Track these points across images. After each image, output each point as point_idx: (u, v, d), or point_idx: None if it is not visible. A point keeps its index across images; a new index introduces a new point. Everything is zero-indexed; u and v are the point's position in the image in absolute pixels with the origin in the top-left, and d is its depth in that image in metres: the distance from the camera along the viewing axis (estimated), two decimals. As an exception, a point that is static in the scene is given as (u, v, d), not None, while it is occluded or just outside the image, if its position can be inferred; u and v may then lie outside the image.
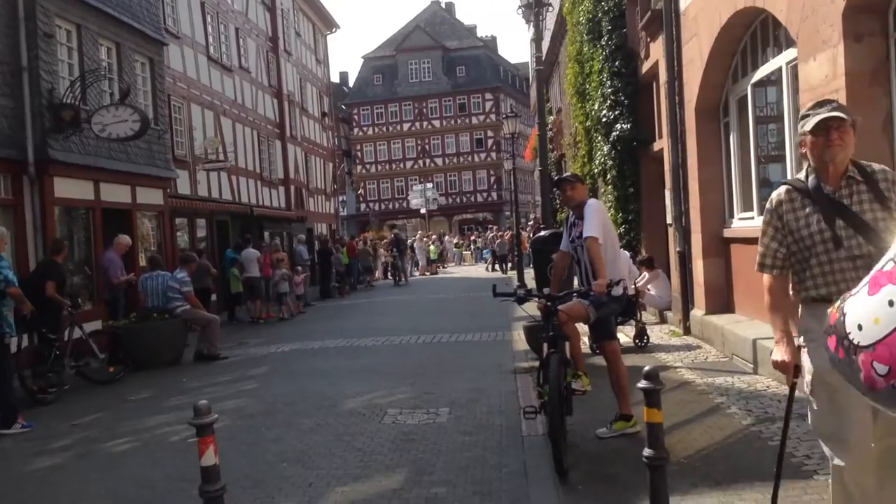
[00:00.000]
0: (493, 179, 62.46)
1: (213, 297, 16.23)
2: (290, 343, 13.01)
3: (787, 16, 6.77)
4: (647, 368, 3.58)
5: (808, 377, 3.14)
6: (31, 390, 9.18)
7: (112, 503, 5.19)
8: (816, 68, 6.17)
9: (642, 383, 3.52)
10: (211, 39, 21.73)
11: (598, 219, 5.81)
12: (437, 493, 4.91)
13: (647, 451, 3.54)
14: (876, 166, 3.19)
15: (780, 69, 7.72)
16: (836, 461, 3.05)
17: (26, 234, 12.43)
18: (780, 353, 3.22)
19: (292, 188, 28.32)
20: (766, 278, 3.35)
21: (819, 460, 4.69)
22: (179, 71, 19.35)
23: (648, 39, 11.87)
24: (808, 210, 3.17)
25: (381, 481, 5.25)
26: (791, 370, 3.18)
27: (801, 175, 3.25)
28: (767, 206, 3.33)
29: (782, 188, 3.29)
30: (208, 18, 21.63)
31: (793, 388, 3.27)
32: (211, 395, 8.46)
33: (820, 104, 3.17)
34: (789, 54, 7.37)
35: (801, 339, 3.18)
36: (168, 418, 7.78)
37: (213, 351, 11.68)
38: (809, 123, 3.13)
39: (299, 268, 20.26)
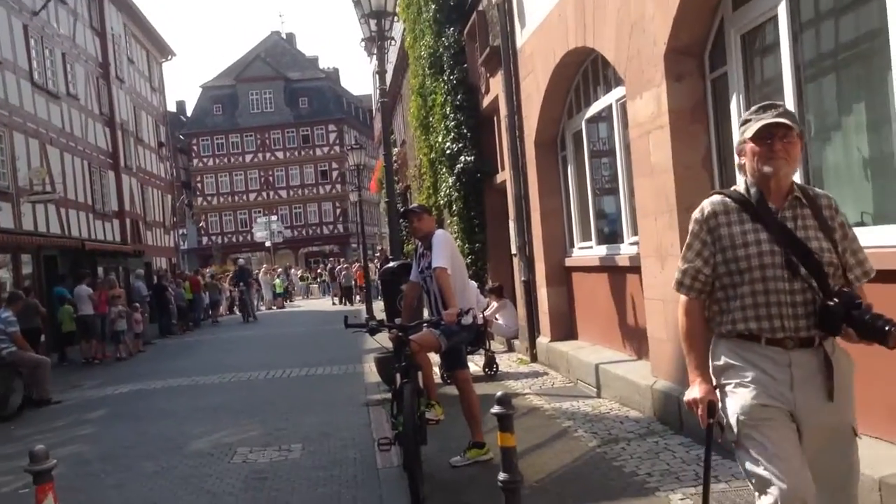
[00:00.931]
0: (338, 211, 62.18)
1: (42, 337, 15.15)
2: (130, 384, 12.36)
3: (615, 56, 7.22)
4: (499, 394, 3.69)
5: (733, 421, 2.68)
6: None
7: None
8: (643, 106, 6.61)
9: (495, 408, 3.63)
10: (35, 64, 20.49)
11: (446, 249, 5.92)
12: (292, 532, 4.81)
13: (501, 476, 3.64)
14: (819, 191, 2.84)
15: (610, 106, 8.20)
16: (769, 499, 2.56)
17: None
18: (694, 391, 2.77)
19: (128, 221, 27.01)
20: (682, 300, 2.86)
21: (660, 477, 4.98)
22: (1, 97, 18.12)
23: (488, 75, 12.29)
24: (748, 227, 2.71)
25: (233, 524, 5.09)
26: (706, 408, 2.74)
27: (739, 188, 2.81)
28: (696, 215, 2.83)
29: (716, 197, 2.82)
30: (32, 42, 20.40)
31: (710, 428, 2.78)
32: (44, 442, 7.80)
33: (764, 108, 2.73)
34: (618, 92, 7.84)
35: (722, 379, 2.76)
36: (-5, 470, 7.20)
37: (43, 395, 10.93)
38: (751, 129, 2.68)
39: (137, 304, 19.32)
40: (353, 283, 32.51)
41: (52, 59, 21.76)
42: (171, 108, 51.74)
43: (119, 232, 26.18)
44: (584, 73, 9.06)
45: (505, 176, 11.83)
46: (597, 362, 7.91)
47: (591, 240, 9.13)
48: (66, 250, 20.74)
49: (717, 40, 5.94)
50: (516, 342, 11.48)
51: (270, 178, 61.94)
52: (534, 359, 10.37)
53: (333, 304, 33.03)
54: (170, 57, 35.75)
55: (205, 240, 59.53)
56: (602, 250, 8.63)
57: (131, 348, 17.32)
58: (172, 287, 23.20)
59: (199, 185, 61.64)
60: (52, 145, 20.94)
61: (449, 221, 14.89)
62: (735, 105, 5.65)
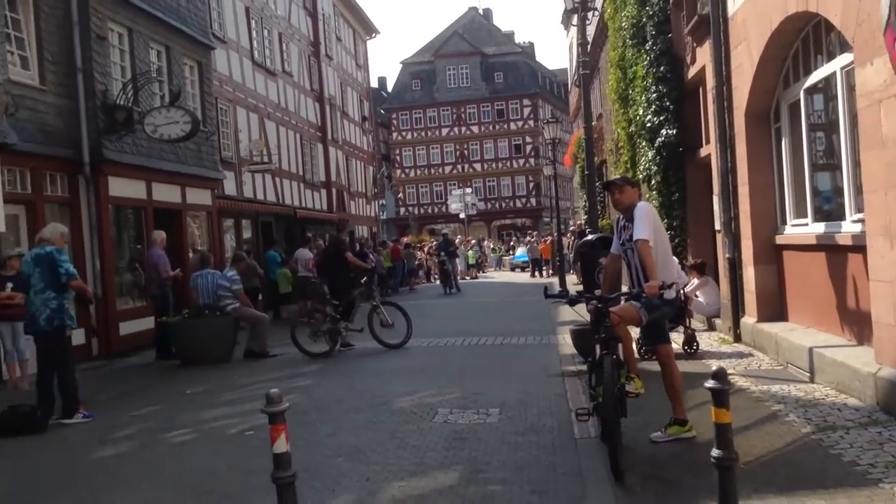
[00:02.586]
0: (531, 185, 62.40)
1: (260, 296, 16.48)
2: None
3: (841, 20, 6.72)
4: (714, 368, 3.60)
5: None
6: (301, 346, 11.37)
7: (178, 490, 5.32)
8: (873, 73, 6.13)
9: (710, 383, 3.55)
10: (255, 44, 22.08)
11: (649, 221, 5.79)
12: (493, 491, 4.96)
13: (715, 452, 3.56)
14: None
15: (833, 74, 7.66)
16: None
17: (83, 233, 12.76)
18: None
19: (334, 191, 28.60)
20: None
21: (884, 468, 4.68)
22: (226, 74, 19.68)
23: (695, 44, 11.83)
24: None
25: (436, 478, 5.32)
26: None
27: None
28: None
29: None
30: (253, 24, 21.97)
31: None
32: (263, 391, 8.57)
33: None
34: (844, 59, 7.31)
35: None
36: (223, 412, 7.95)
37: (262, 349, 11.86)
38: None
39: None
40: (539, 256, 32.66)
41: (269, 39, 23.33)
42: (374, 83, 53.85)
43: (326, 201, 27.77)
44: (803, 39, 8.51)
45: (710, 149, 11.38)
46: (811, 346, 7.49)
47: (806, 217, 8.61)
48: (279, 217, 22.32)
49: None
50: (717, 321, 11.09)
51: (465, 152, 63.14)
52: (737, 339, 9.98)
53: (533, 276, 33.22)
54: (373, 35, 37.22)
55: (402, 210, 61.78)
56: (819, 228, 8.12)
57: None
58: (373, 255, 24.32)
59: (397, 157, 63.97)
60: (269, 119, 22.53)
61: (648, 196, 14.53)
62: None
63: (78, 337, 9.31)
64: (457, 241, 38.89)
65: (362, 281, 12.46)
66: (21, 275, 8.28)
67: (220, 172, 17.88)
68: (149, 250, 13.07)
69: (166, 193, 15.33)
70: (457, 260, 27.46)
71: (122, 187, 13.79)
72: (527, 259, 36.99)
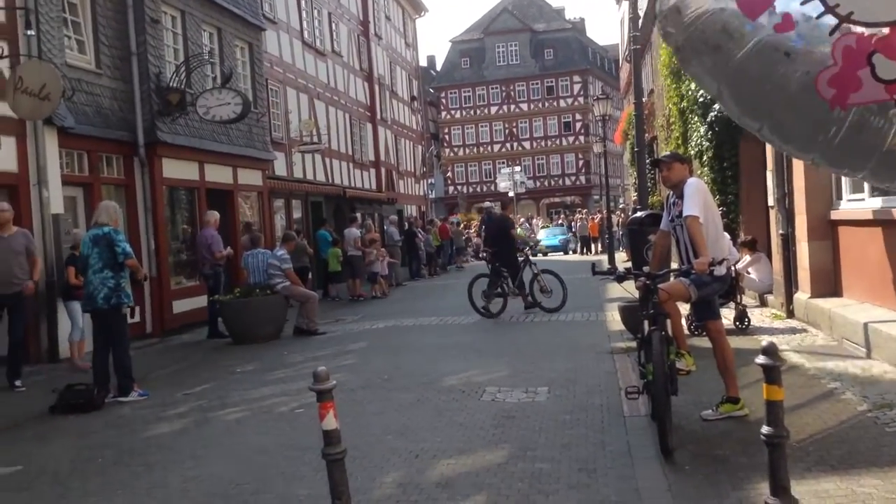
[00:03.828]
0: (581, 163, 61.82)
1: (310, 275, 16.68)
2: (385, 320, 13.27)
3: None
4: (765, 344, 3.53)
5: None
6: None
7: (232, 467, 5.43)
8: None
9: (760, 359, 3.48)
10: (305, 24, 22.18)
11: (699, 197, 5.70)
12: (541, 469, 4.96)
13: (765, 429, 3.51)
14: None
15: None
16: None
17: (137, 213, 13.04)
18: None
19: (383, 170, 28.71)
20: None
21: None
22: (276, 56, 19.83)
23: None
24: None
25: (485, 455, 5.34)
26: None
27: None
28: None
29: None
30: (302, 4, 22.07)
31: None
32: (312, 368, 8.67)
33: None
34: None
35: None
36: (274, 390, 8.08)
37: (311, 326, 12.01)
38: None
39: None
40: (588, 234, 32.44)
41: (319, 20, 23.43)
42: (423, 62, 53.73)
43: (375, 180, 27.91)
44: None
45: (765, 123, 11.11)
46: (866, 321, 7.30)
47: (862, 192, 8.37)
48: (329, 197, 22.51)
49: None
50: (769, 297, 10.88)
51: (514, 130, 62.78)
52: (790, 315, 9.79)
53: (582, 253, 33.02)
54: (423, 13, 37.12)
55: (451, 189, 61.76)
56: (877, 202, 7.88)
57: (385, 288, 18.53)
58: (422, 233, 24.41)
59: (446, 136, 63.89)
60: (318, 99, 22.67)
61: (700, 173, 14.29)
62: None
63: (135, 315, 9.52)
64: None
65: (526, 250, 14.08)
66: (80, 255, 8.49)
67: (271, 153, 18.08)
68: (201, 230, 13.29)
69: (218, 174, 15.56)
70: None
71: (175, 168, 14.03)
72: (557, 244, 35.60)
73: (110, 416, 7.42)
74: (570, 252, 34.62)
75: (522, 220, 39.81)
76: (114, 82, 12.79)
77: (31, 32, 10.22)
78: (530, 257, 13.76)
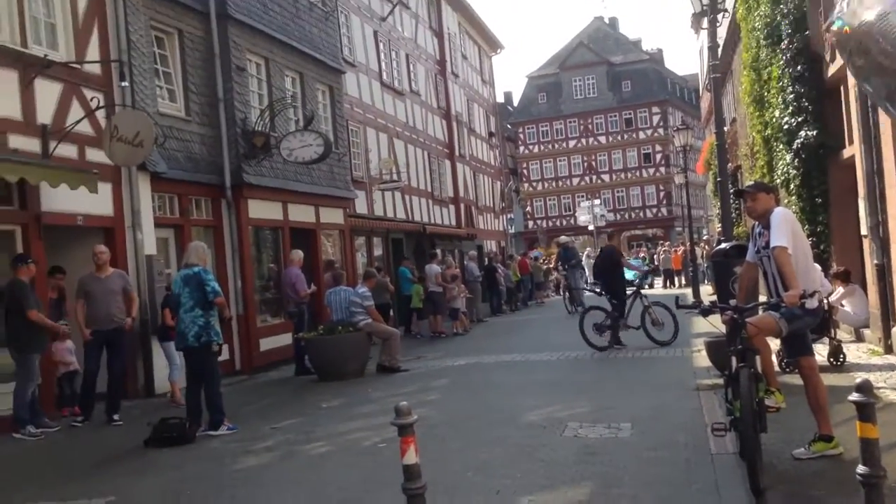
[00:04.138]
0: (661, 194, 60.94)
1: (391, 311, 16.85)
2: (467, 357, 13.27)
3: None
4: (858, 381, 3.42)
5: None
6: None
7: (315, 500, 5.52)
8: None
9: (854, 396, 3.37)
10: (384, 66, 22.68)
11: (786, 227, 5.53)
12: (625, 507, 4.87)
13: (861, 469, 3.38)
14: None
15: None
16: None
17: (225, 253, 13.48)
18: None
19: (462, 206, 28.91)
20: None
21: None
22: (356, 97, 20.31)
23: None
24: None
25: (566, 492, 5.27)
26: None
27: None
28: None
29: None
30: (381, 46, 22.58)
31: None
32: (394, 404, 8.75)
33: None
34: None
35: None
36: (359, 425, 8.17)
37: (393, 363, 12.11)
38: None
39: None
40: (671, 266, 31.78)
41: (397, 61, 23.92)
42: (500, 98, 54.15)
43: (454, 216, 28.11)
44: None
45: (853, 150, 10.78)
46: (971, 357, 6.95)
47: (963, 219, 8.02)
48: (409, 233, 22.78)
49: None
50: (866, 332, 10.45)
51: (593, 163, 62.46)
52: (888, 350, 9.37)
53: (665, 287, 32.38)
54: (499, 50, 37.46)
55: (530, 224, 61.65)
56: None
57: (466, 325, 18.56)
58: (502, 269, 24.39)
59: (524, 171, 63.98)
60: (398, 138, 23.08)
61: (787, 202, 13.93)
62: None
63: (223, 352, 9.79)
64: (585, 252, 37.87)
65: (634, 283, 14.10)
66: (171, 294, 8.81)
67: (352, 192, 18.45)
68: (286, 269, 13.63)
69: (301, 213, 15.96)
70: (578, 272, 23.03)
71: (260, 209, 14.47)
72: (632, 277, 34.32)
73: (201, 449, 7.63)
74: (648, 286, 33.63)
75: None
76: (202, 128, 13.33)
77: (125, 83, 10.76)
78: (641, 290, 13.54)
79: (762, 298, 5.95)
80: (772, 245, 5.50)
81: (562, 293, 23.83)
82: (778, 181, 14.12)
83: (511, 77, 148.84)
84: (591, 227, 43.71)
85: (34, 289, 8.92)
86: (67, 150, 10.09)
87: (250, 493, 5.89)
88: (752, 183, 6.64)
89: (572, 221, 56.61)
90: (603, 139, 62.26)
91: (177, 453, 7.47)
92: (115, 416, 9.25)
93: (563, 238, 24.93)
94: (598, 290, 13.76)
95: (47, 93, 9.98)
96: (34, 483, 6.71)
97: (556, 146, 63.23)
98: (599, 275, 14.12)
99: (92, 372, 9.35)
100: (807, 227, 12.70)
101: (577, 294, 21.30)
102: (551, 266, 30.04)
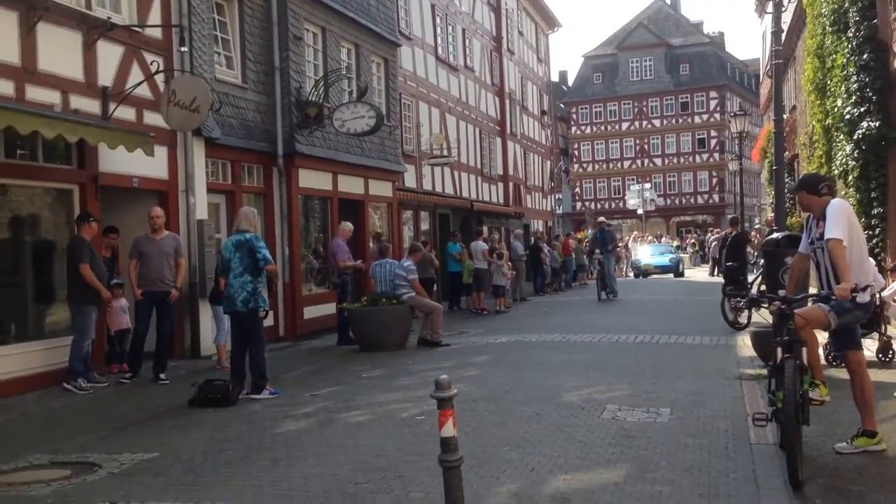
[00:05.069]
0: (714, 181, 59.94)
1: (435, 286, 16.93)
2: (508, 335, 13.30)
3: None
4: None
5: None
6: None
7: (351, 466, 5.60)
8: None
9: (900, 392, 3.31)
10: (439, 40, 22.60)
11: (843, 219, 5.42)
12: (661, 491, 4.86)
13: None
14: None
15: None
16: None
17: (274, 221, 13.65)
18: None
19: (511, 184, 28.80)
20: None
21: None
22: (410, 70, 20.30)
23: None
24: None
25: (602, 473, 5.28)
26: None
27: None
28: None
29: None
30: (437, 20, 22.50)
31: None
32: (434, 378, 8.78)
33: None
34: None
35: None
36: (397, 396, 8.27)
37: (435, 337, 12.18)
38: None
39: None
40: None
41: (453, 35, 23.83)
42: (555, 77, 53.64)
43: (502, 194, 28.03)
44: None
45: (917, 143, 10.47)
46: None
47: None
48: (456, 209, 22.79)
49: None
50: (919, 330, 10.20)
51: (645, 146, 61.62)
52: (941, 349, 9.14)
53: (712, 274, 31.97)
54: (555, 28, 37.06)
55: (578, 205, 61.20)
56: None
57: (508, 303, 18.57)
58: (547, 249, 24.29)
59: (575, 151, 63.42)
60: (449, 114, 23.04)
61: (844, 193, 13.63)
62: None
63: (268, 318, 9.96)
64: (632, 235, 37.31)
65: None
66: (222, 259, 8.97)
67: (402, 165, 18.50)
68: (332, 240, 13.77)
69: (350, 185, 16.07)
70: (613, 259, 22.01)
71: (310, 179, 14.60)
72: (668, 263, 31.86)
73: (243, 411, 7.79)
74: (680, 274, 32.08)
75: (651, 237, 38.82)
76: (257, 96, 13.46)
77: (185, 49, 10.90)
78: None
79: (811, 290, 5.85)
80: (826, 237, 5.41)
81: (595, 279, 21.93)
82: (836, 172, 13.82)
83: (567, 56, 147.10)
84: (639, 211, 43.37)
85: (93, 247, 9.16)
86: (126, 113, 10.29)
87: (290, 455, 6.00)
88: (807, 175, 6.48)
89: (621, 204, 56.16)
90: (657, 122, 61.33)
91: (219, 414, 7.64)
92: (162, 376, 9.49)
93: (601, 219, 23.24)
94: (728, 272, 14.06)
95: (109, 55, 10.17)
96: (83, 434, 6.94)
97: (609, 128, 62.49)
98: (733, 258, 14.30)
99: (141, 331, 9.61)
100: (862, 219, 12.41)
101: (610, 281, 20.33)
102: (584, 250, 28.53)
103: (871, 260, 7.61)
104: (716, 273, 31.67)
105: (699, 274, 33.25)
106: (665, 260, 32.18)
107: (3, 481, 5.58)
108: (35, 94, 8.98)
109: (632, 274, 32.49)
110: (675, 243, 40.85)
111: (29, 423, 7.57)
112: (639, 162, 61.62)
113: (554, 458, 5.67)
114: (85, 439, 6.75)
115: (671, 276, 31.30)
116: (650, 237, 39.41)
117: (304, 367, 10.72)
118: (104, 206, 10.12)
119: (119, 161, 9.99)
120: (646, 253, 33.59)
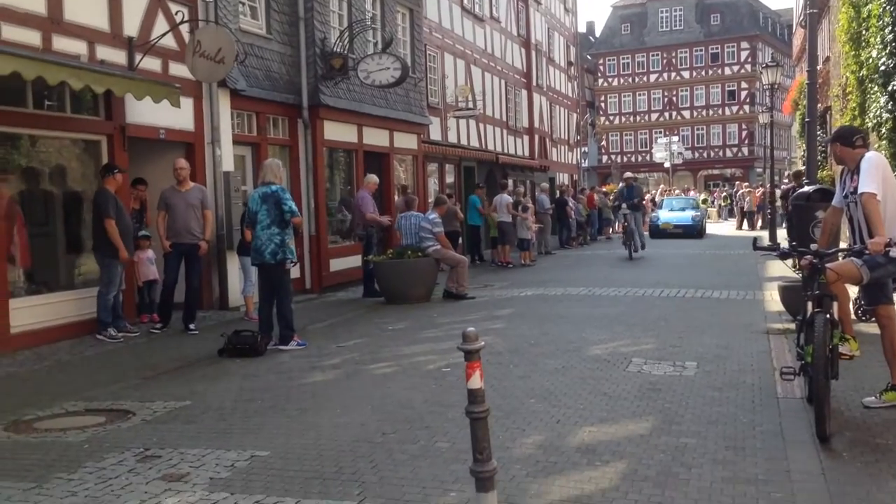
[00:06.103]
0: (744, 134, 58.99)
1: (460, 239, 16.93)
2: (533, 288, 13.31)
3: None
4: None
5: None
6: None
7: (378, 417, 5.67)
8: None
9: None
10: (465, -11, 22.26)
11: (877, 172, 5.33)
12: (685, 443, 4.87)
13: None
14: None
15: None
16: None
17: (300, 173, 13.65)
18: None
19: (536, 137, 28.56)
20: None
21: None
22: (435, 21, 20.04)
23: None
24: None
25: (627, 426, 5.29)
26: None
27: None
28: None
29: None
30: (464, -31, 22.12)
31: None
32: (459, 330, 8.81)
33: None
34: None
35: None
36: (423, 348, 8.33)
37: (460, 290, 12.22)
38: None
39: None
40: (753, 208, 31.06)
41: (479, -16, 23.43)
42: (582, 28, 52.77)
43: (528, 147, 27.81)
44: None
45: (956, 94, 10.21)
46: None
47: None
48: (482, 162, 22.66)
49: None
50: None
51: (674, 99, 60.68)
52: (973, 306, 9.02)
53: (740, 228, 31.70)
54: (583, -23, 36.33)
55: (605, 158, 60.63)
56: None
57: (533, 256, 18.54)
58: (573, 202, 24.16)
59: (602, 104, 62.63)
60: (475, 65, 22.78)
61: (877, 146, 13.36)
62: None
63: (294, 271, 10.02)
64: (659, 189, 36.97)
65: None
66: (248, 210, 9.00)
67: (427, 118, 18.37)
68: (357, 192, 13.76)
69: (375, 137, 16.00)
70: (641, 213, 21.14)
71: (335, 130, 14.55)
72: (691, 221, 26.98)
73: (271, 362, 7.89)
74: (699, 236, 27.06)
75: (678, 191, 38.42)
76: (282, 47, 13.37)
77: (210, -2, 10.83)
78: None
79: (843, 245, 5.77)
80: (860, 191, 5.32)
81: (622, 235, 20.73)
82: (869, 124, 13.54)
83: (595, 6, 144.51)
84: (667, 165, 42.89)
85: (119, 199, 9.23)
86: (152, 64, 10.27)
87: (317, 405, 6.08)
88: (843, 128, 6.33)
89: (648, 158, 55.56)
90: (686, 74, 60.27)
91: (248, 364, 7.75)
92: (192, 326, 9.62)
93: (627, 174, 21.63)
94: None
95: (133, 5, 10.12)
96: (116, 382, 7.07)
97: (637, 80, 61.51)
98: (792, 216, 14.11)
99: (170, 282, 9.71)
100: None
101: (638, 237, 19.24)
102: (611, 204, 26.45)
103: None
104: (743, 226, 31.51)
105: (726, 228, 33.02)
106: (687, 217, 27.42)
107: (41, 427, 5.71)
108: (61, 44, 8.98)
109: (646, 232, 29.62)
110: (703, 196, 40.20)
111: (63, 371, 7.72)
112: (667, 114, 60.72)
113: (579, 410, 5.70)
114: (118, 387, 6.88)
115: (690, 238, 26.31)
116: (677, 191, 38.96)
117: (331, 319, 10.81)
118: (132, 157, 10.18)
119: (146, 112, 10.02)
120: (664, 209, 29.20)
